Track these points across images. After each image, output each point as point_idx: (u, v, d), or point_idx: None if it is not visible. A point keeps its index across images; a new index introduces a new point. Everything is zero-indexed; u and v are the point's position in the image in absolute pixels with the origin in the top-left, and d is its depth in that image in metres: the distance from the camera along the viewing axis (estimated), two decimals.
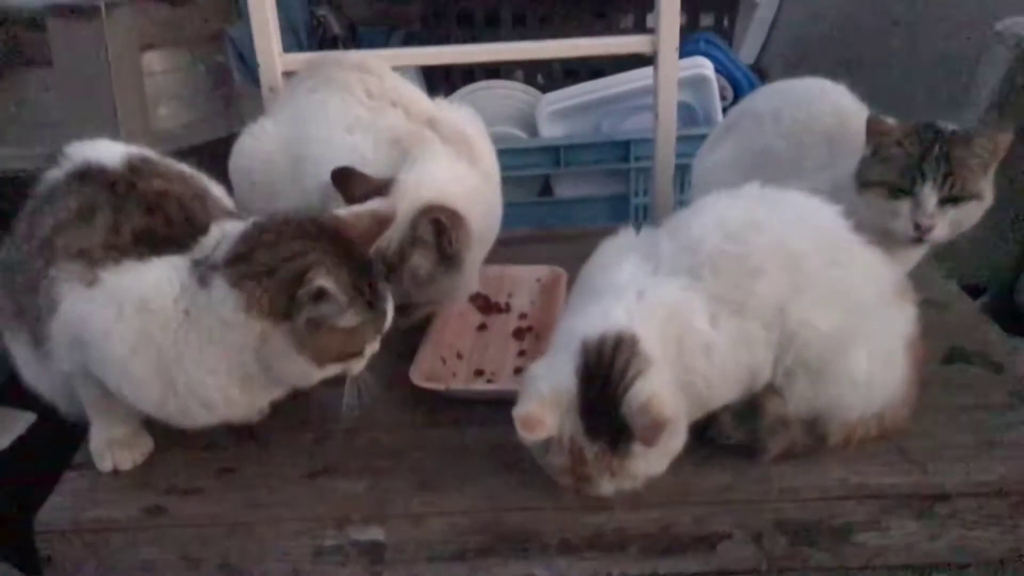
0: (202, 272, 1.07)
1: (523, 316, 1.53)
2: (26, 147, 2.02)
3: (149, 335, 1.06)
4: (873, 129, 1.30)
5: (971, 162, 1.27)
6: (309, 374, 1.10)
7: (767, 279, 1.11)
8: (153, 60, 1.98)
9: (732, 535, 1.15)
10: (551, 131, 2.23)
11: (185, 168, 1.23)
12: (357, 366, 1.14)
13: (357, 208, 1.17)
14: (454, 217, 1.31)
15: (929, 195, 1.26)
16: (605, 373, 1.04)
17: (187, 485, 1.19)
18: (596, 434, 1.04)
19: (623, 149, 2.12)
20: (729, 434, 1.18)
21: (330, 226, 1.11)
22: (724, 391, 1.14)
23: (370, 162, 1.41)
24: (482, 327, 1.51)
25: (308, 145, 1.49)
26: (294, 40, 2.74)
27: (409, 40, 3.17)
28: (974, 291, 2.25)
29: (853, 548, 1.16)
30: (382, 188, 1.31)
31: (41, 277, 1.09)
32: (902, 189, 1.28)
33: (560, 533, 1.15)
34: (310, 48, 3.52)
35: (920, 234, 1.28)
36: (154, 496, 1.17)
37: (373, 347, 1.14)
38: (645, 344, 1.06)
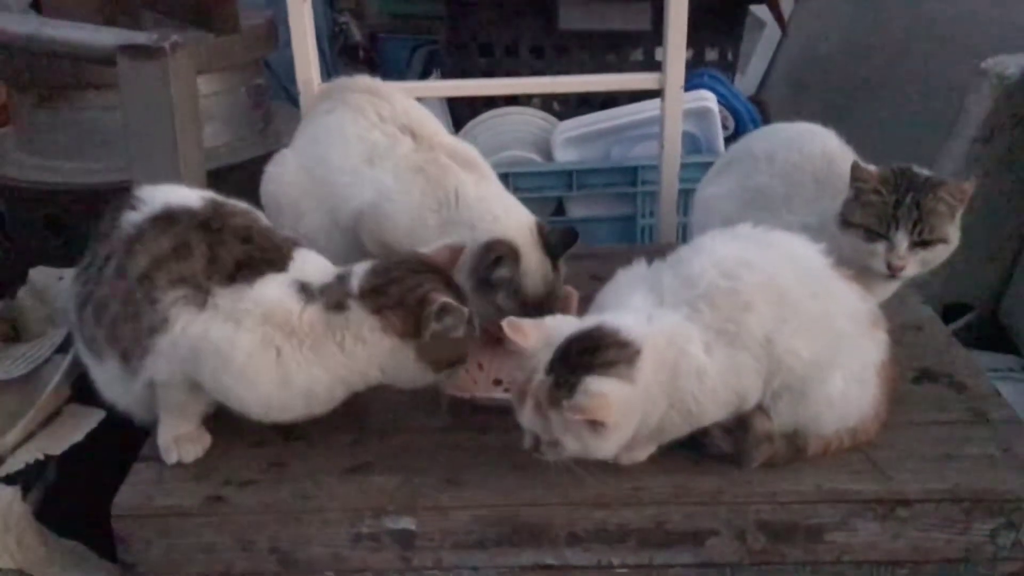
0: (337, 298, 1.28)
1: None
2: (87, 163, 2.20)
3: (270, 342, 1.24)
4: (856, 175, 1.43)
5: (939, 209, 1.40)
6: (424, 378, 1.32)
7: (756, 313, 1.23)
8: (199, 84, 2.13)
9: (719, 532, 1.28)
10: (565, 156, 2.36)
11: (245, 205, 1.38)
12: (455, 374, 1.36)
13: (435, 245, 1.39)
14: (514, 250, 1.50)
15: (901, 240, 1.40)
16: (594, 346, 1.18)
17: (242, 477, 1.32)
18: (552, 374, 1.18)
19: (631, 174, 2.24)
20: (719, 445, 1.30)
21: (429, 261, 1.34)
22: (713, 411, 1.26)
23: (395, 189, 1.57)
24: (499, 340, 1.66)
25: (330, 170, 1.62)
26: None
27: (432, 57, 3.30)
28: (961, 310, 2.38)
29: (824, 546, 1.28)
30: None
31: (143, 305, 1.23)
32: (879, 233, 1.41)
33: (568, 526, 1.28)
34: (331, 54, 3.64)
35: (892, 272, 1.42)
36: (213, 487, 1.31)
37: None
38: (642, 360, 1.18)
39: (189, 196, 1.32)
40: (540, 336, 1.23)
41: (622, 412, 1.17)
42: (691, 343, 1.23)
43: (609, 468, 1.31)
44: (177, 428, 1.35)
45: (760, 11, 3.10)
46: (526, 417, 1.20)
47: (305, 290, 1.28)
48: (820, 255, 1.32)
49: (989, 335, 2.36)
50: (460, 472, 1.33)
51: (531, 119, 2.46)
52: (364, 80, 1.73)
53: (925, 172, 1.46)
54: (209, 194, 1.35)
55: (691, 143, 2.23)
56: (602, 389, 1.15)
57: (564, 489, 1.28)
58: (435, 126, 1.67)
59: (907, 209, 1.39)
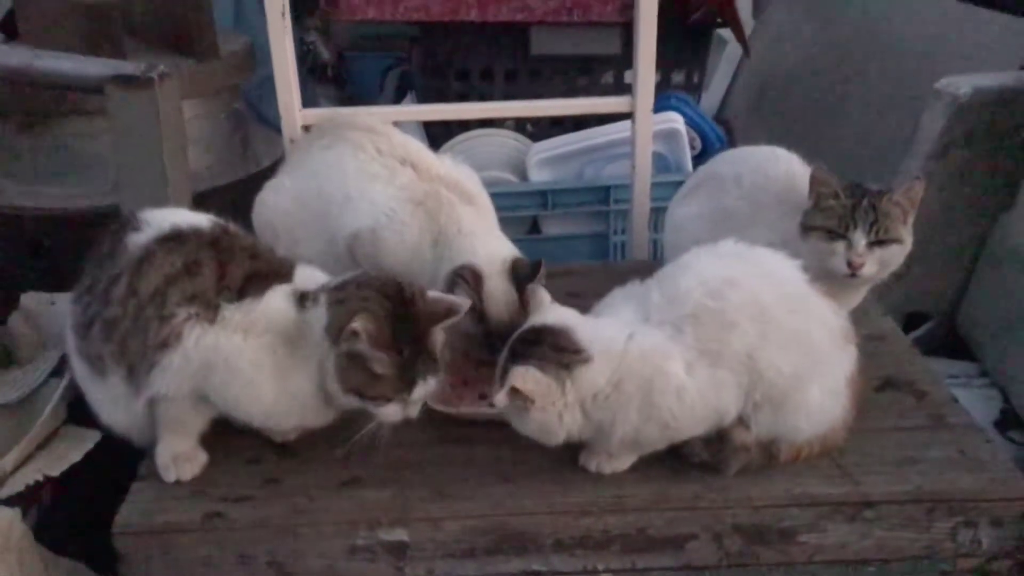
0: (314, 297, 1.32)
1: None
2: (69, 188, 2.22)
3: (272, 350, 1.30)
4: (815, 180, 1.52)
5: (893, 212, 1.49)
6: (337, 396, 1.30)
7: (739, 331, 1.29)
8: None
9: (697, 536, 1.34)
10: (539, 176, 2.42)
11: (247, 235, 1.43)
12: (379, 411, 1.30)
13: (439, 294, 1.38)
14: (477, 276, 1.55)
15: (860, 239, 1.48)
16: (541, 339, 1.30)
17: (239, 494, 1.36)
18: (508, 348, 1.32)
19: (604, 193, 2.31)
20: (698, 453, 1.37)
21: (405, 294, 1.31)
22: (691, 427, 1.33)
23: (395, 219, 1.61)
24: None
25: (329, 200, 1.66)
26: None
27: (405, 79, 3.35)
28: (921, 319, 2.47)
29: (797, 547, 1.35)
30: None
31: (153, 321, 1.28)
32: (838, 233, 1.49)
33: (554, 534, 1.33)
34: (299, 74, 3.67)
35: (852, 271, 1.50)
36: (211, 503, 1.35)
37: (395, 410, 1.31)
38: (590, 368, 1.27)
39: (197, 218, 1.37)
40: (536, 313, 1.35)
41: (541, 399, 1.27)
42: (670, 361, 1.29)
43: (592, 478, 1.38)
44: (176, 447, 1.39)
45: (723, 30, 3.19)
46: (496, 378, 1.32)
47: (302, 298, 1.33)
48: (799, 272, 1.38)
49: (948, 343, 2.44)
50: (450, 484, 1.38)
51: (506, 140, 2.53)
52: (361, 118, 1.78)
53: (876, 186, 1.54)
54: (212, 217, 1.39)
55: (660, 163, 2.30)
56: (518, 371, 1.26)
57: (550, 498, 1.35)
58: (433, 158, 1.71)
59: (864, 211, 1.48)
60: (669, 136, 2.35)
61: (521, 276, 1.53)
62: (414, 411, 1.33)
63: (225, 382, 1.30)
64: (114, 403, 1.37)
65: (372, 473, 1.41)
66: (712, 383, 1.30)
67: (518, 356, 1.29)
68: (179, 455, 1.39)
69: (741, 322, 1.30)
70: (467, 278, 1.49)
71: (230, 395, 1.31)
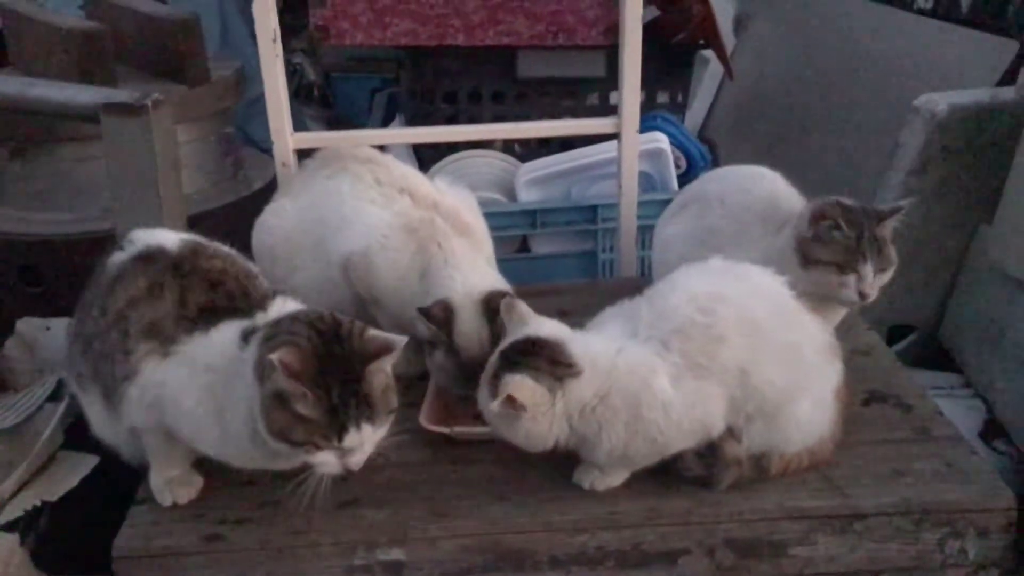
0: (254, 332, 1.25)
1: None
2: (61, 213, 2.23)
3: (212, 390, 1.26)
4: (818, 215, 1.52)
5: (889, 236, 1.54)
6: (268, 441, 1.20)
7: (730, 345, 1.32)
8: None
9: (690, 551, 1.36)
10: (528, 196, 2.45)
11: (230, 250, 1.41)
12: (312, 459, 1.22)
13: (377, 332, 1.26)
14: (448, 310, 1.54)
15: (869, 271, 1.52)
16: (535, 351, 1.30)
17: (237, 516, 1.38)
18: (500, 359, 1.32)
19: (591, 212, 2.33)
20: (691, 468, 1.39)
21: (340, 331, 1.23)
22: (679, 441, 1.35)
23: (388, 244, 1.62)
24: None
25: (327, 227, 1.68)
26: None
27: (393, 101, 3.38)
28: (905, 331, 2.51)
29: (788, 560, 1.37)
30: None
31: (117, 347, 1.28)
32: (849, 267, 1.53)
33: (550, 551, 1.35)
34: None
35: (863, 299, 1.54)
36: (210, 526, 1.36)
37: (330, 460, 1.22)
38: (579, 382, 1.29)
39: (169, 238, 1.37)
40: (519, 325, 1.36)
41: (533, 408, 1.28)
42: (656, 376, 1.31)
43: (586, 495, 1.40)
44: (167, 472, 1.40)
45: (705, 50, 3.23)
46: (481, 397, 1.33)
47: (247, 335, 1.26)
48: (785, 288, 1.41)
49: (931, 355, 2.48)
50: (446, 503, 1.40)
51: (494, 161, 2.56)
52: (363, 150, 1.79)
53: (850, 201, 1.58)
54: (192, 237, 1.39)
55: (646, 182, 2.33)
56: (515, 381, 1.27)
57: (545, 516, 1.37)
58: (431, 188, 1.72)
59: (869, 242, 1.52)
60: (655, 155, 2.39)
61: (494, 308, 1.54)
62: (354, 462, 1.24)
63: (174, 417, 1.28)
64: (98, 418, 1.39)
65: (369, 493, 1.42)
66: (698, 396, 1.32)
67: (512, 364, 1.30)
68: (172, 479, 1.40)
69: (731, 337, 1.32)
70: (434, 313, 1.49)
71: (183, 431, 1.30)
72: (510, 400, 1.27)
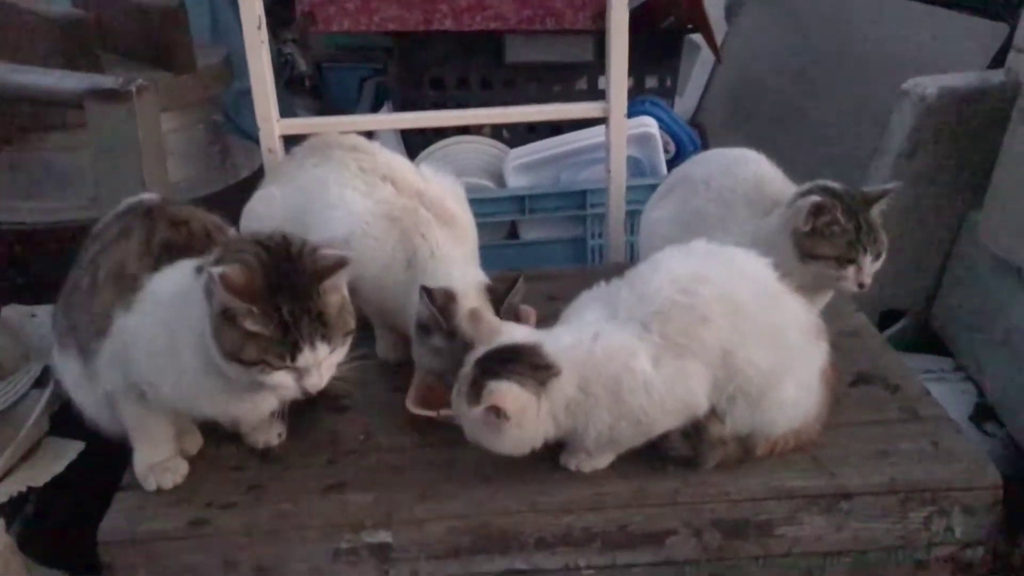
0: (206, 265, 1.21)
1: None
2: (48, 202, 2.22)
3: (166, 324, 1.25)
4: (818, 212, 1.52)
5: (879, 222, 1.55)
6: (222, 366, 1.19)
7: (713, 326, 1.31)
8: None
9: (677, 531, 1.36)
10: (516, 182, 2.44)
11: (215, 217, 1.43)
12: (267, 380, 1.20)
13: (329, 250, 1.24)
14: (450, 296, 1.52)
15: (868, 261, 1.53)
16: (512, 358, 1.29)
17: (223, 500, 1.37)
18: (475, 369, 1.30)
19: (580, 198, 2.33)
20: (677, 448, 1.39)
21: (291, 249, 1.22)
22: (663, 421, 1.35)
23: (369, 232, 1.61)
24: None
25: (312, 214, 1.66)
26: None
27: (382, 89, 3.37)
28: (896, 316, 2.51)
29: (775, 540, 1.38)
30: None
31: (87, 292, 1.30)
32: (849, 259, 1.53)
33: (537, 533, 1.35)
34: (277, 85, 3.69)
35: (861, 289, 1.55)
36: (196, 510, 1.36)
37: (286, 380, 1.20)
38: (560, 380, 1.29)
39: (151, 197, 1.43)
40: (488, 333, 1.34)
41: (519, 416, 1.27)
42: (636, 359, 1.31)
43: (573, 476, 1.40)
44: (150, 457, 1.40)
45: (696, 36, 3.23)
46: (455, 404, 1.32)
47: (200, 268, 1.24)
48: (769, 270, 1.41)
49: (922, 339, 2.48)
50: (432, 486, 1.40)
51: (482, 147, 2.55)
52: (350, 138, 1.78)
53: (836, 185, 1.59)
54: (170, 197, 1.46)
55: (635, 167, 2.33)
56: (500, 389, 1.26)
57: (531, 497, 1.36)
58: (415, 176, 1.70)
59: (866, 233, 1.53)
60: (643, 140, 2.38)
61: (498, 294, 1.53)
62: (311, 384, 1.22)
63: (135, 361, 1.27)
64: (77, 384, 1.39)
65: (355, 477, 1.42)
66: (679, 375, 1.32)
67: (492, 373, 1.28)
68: (155, 465, 1.40)
69: (714, 317, 1.32)
70: (436, 296, 1.49)
71: (144, 379, 1.28)
72: (494, 409, 1.26)
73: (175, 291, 1.25)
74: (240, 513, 1.36)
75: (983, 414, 2.19)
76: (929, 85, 2.31)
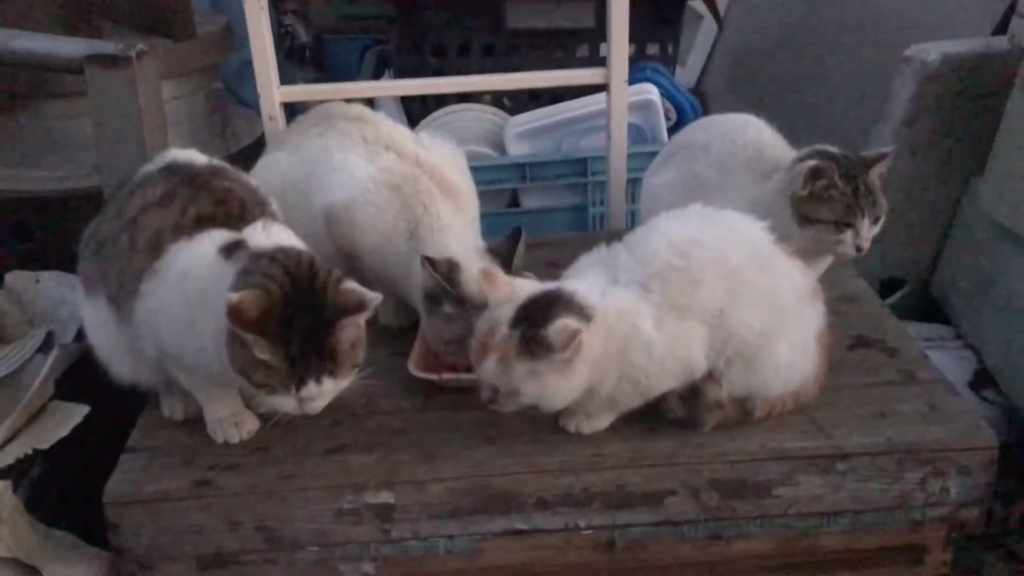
0: (240, 253, 1.25)
1: None
2: (50, 170, 2.23)
3: (187, 301, 1.27)
4: (815, 175, 1.53)
5: (878, 184, 1.55)
6: (226, 371, 1.22)
7: (708, 287, 1.33)
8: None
9: (675, 492, 1.38)
10: (518, 149, 2.44)
11: (253, 182, 1.46)
12: (268, 399, 1.24)
13: (354, 286, 1.25)
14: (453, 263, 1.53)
15: (866, 224, 1.54)
16: (555, 303, 1.28)
17: (227, 462, 1.39)
18: (517, 328, 1.27)
19: (581, 165, 2.33)
20: (674, 410, 1.40)
21: (316, 281, 1.23)
22: (662, 382, 1.36)
23: (370, 200, 1.61)
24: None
25: (313, 181, 1.68)
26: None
27: (383, 58, 3.35)
28: (897, 284, 2.52)
29: (772, 500, 1.39)
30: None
31: (124, 254, 1.31)
32: (847, 223, 1.54)
33: (536, 493, 1.37)
34: (277, 56, 3.67)
35: (859, 253, 1.56)
36: (200, 471, 1.37)
37: (287, 402, 1.24)
38: (594, 325, 1.28)
39: (199, 157, 1.43)
40: (507, 292, 1.32)
41: (586, 351, 1.26)
42: (641, 318, 1.32)
43: (572, 438, 1.42)
44: (217, 411, 1.42)
45: (698, 5, 3.21)
46: (488, 370, 1.28)
47: (230, 249, 1.27)
48: (765, 233, 1.42)
49: (923, 307, 2.49)
50: (434, 447, 1.41)
51: (483, 115, 2.55)
52: (354, 107, 1.78)
53: (834, 150, 1.59)
54: (218, 162, 1.44)
55: (636, 134, 2.33)
56: (568, 323, 1.25)
57: (531, 458, 1.38)
58: (418, 146, 1.70)
59: (864, 196, 1.53)
60: (644, 107, 2.38)
61: (502, 255, 1.54)
62: (311, 408, 1.25)
63: (164, 333, 1.29)
64: (101, 327, 1.41)
65: (358, 439, 1.44)
66: (681, 336, 1.33)
67: (543, 320, 1.27)
68: (223, 418, 1.42)
69: (709, 280, 1.33)
70: (439, 264, 1.49)
71: (169, 348, 1.30)
72: (534, 352, 1.25)
73: (199, 269, 1.27)
74: (243, 474, 1.38)
75: (982, 381, 2.20)
76: (931, 51, 2.31)
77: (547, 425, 1.43)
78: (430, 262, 1.48)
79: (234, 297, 1.15)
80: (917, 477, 1.40)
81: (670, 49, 2.77)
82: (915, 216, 2.42)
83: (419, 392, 1.54)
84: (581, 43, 2.70)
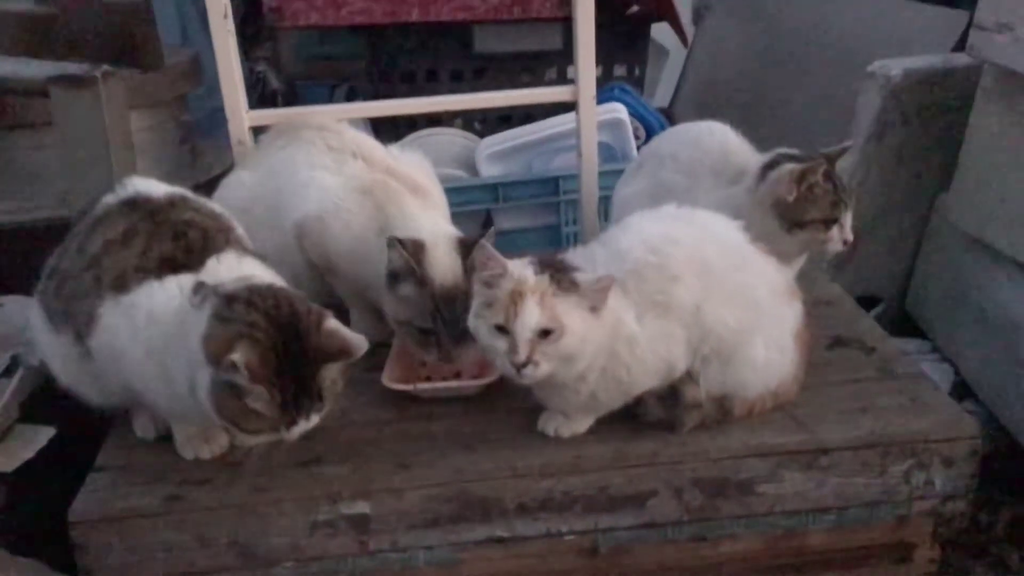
0: (205, 294, 1.23)
1: None
2: (16, 201, 2.20)
3: (154, 343, 1.25)
4: (806, 176, 1.52)
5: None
6: (209, 414, 1.20)
7: (684, 284, 1.32)
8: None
9: (658, 492, 1.36)
10: (489, 171, 2.43)
11: (217, 207, 1.43)
12: (244, 438, 1.24)
13: (337, 328, 1.24)
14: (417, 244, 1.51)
15: (849, 217, 1.55)
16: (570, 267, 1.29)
17: (198, 477, 1.35)
18: (544, 274, 1.26)
19: (553, 185, 2.33)
20: (653, 412, 1.39)
21: (299, 325, 1.20)
22: (643, 379, 1.34)
23: (342, 207, 1.60)
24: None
25: (281, 195, 1.66)
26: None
27: (352, 93, 3.37)
28: (872, 302, 2.52)
29: (756, 498, 1.37)
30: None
31: (90, 292, 1.28)
32: (834, 219, 1.54)
33: (517, 498, 1.34)
34: (249, 102, 3.67)
35: (846, 247, 1.56)
36: (170, 487, 1.33)
37: (269, 439, 1.23)
38: None
39: (158, 188, 1.38)
40: (502, 263, 1.28)
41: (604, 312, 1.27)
42: (625, 312, 1.31)
43: (551, 442, 1.39)
44: (185, 429, 1.39)
45: (663, 38, 3.26)
46: (529, 313, 1.23)
47: (196, 289, 1.25)
48: (739, 231, 1.41)
49: (899, 323, 2.49)
50: (410, 456, 1.38)
51: (455, 139, 2.55)
52: (315, 117, 1.79)
53: (797, 152, 1.62)
54: (183, 191, 1.40)
55: (606, 152, 2.33)
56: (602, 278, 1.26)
57: (511, 462, 1.35)
58: (384, 154, 1.71)
59: (841, 189, 1.54)
60: (614, 126, 2.39)
61: (467, 246, 1.53)
62: (292, 438, 1.24)
63: (127, 370, 1.28)
64: (66, 359, 1.37)
65: (332, 451, 1.40)
66: (661, 334, 1.32)
67: (564, 269, 1.27)
68: (193, 436, 1.39)
69: (685, 276, 1.33)
70: (406, 243, 1.48)
71: (135, 384, 1.29)
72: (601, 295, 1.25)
73: (167, 315, 1.24)
74: (215, 489, 1.34)
75: (961, 393, 2.20)
76: (894, 67, 2.33)
77: (526, 432, 1.41)
78: (398, 241, 1.47)
79: (236, 356, 1.13)
80: (901, 470, 1.39)
81: (636, 72, 2.80)
82: (887, 233, 2.43)
83: (394, 405, 1.51)
84: (549, 66, 2.72)
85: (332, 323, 1.24)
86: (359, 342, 1.23)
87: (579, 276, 1.27)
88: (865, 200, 1.58)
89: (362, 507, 1.33)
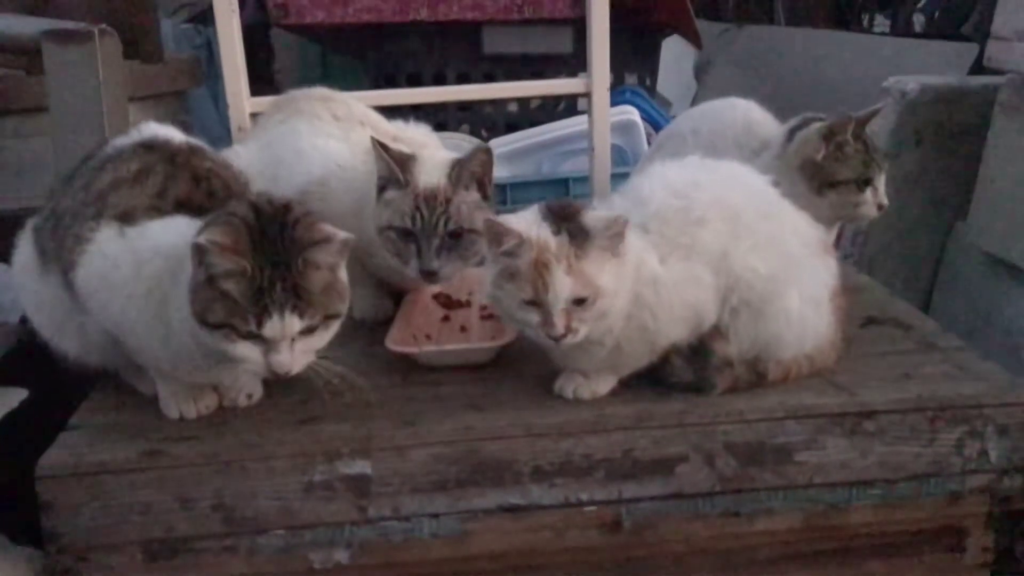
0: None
1: (483, 308, 1.63)
2: (3, 191, 2.12)
3: (158, 279, 1.16)
4: (835, 130, 1.48)
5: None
6: (195, 331, 1.12)
7: (710, 228, 1.24)
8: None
9: (687, 457, 1.24)
10: (498, 172, 2.37)
11: (233, 164, 1.36)
12: (232, 350, 1.12)
13: (322, 223, 1.17)
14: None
15: (883, 180, 1.49)
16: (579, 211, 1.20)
17: (183, 433, 1.24)
18: (563, 235, 1.16)
19: (563, 186, 2.27)
20: (680, 375, 1.28)
21: (287, 217, 1.15)
22: (669, 327, 1.24)
23: (347, 168, 1.56)
24: (446, 319, 1.61)
25: (281, 165, 1.60)
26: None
27: None
28: None
29: (795, 467, 1.25)
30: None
31: (87, 220, 1.19)
32: (867, 179, 1.47)
33: (533, 460, 1.22)
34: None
35: (880, 212, 1.49)
36: (150, 443, 1.21)
37: (252, 352, 1.12)
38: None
39: (177, 134, 1.31)
40: (514, 227, 1.18)
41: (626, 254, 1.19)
42: (647, 253, 1.23)
43: (570, 403, 1.28)
44: (171, 384, 1.29)
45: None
46: (560, 283, 1.15)
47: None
48: (767, 184, 1.34)
49: None
50: (416, 415, 1.26)
51: (462, 144, 2.48)
52: (317, 90, 1.74)
53: (823, 115, 1.56)
54: (198, 141, 1.34)
55: (618, 155, 2.27)
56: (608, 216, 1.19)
57: (527, 420, 1.23)
58: (390, 125, 1.68)
59: (874, 149, 1.47)
60: (626, 128, 2.34)
61: (459, 171, 1.46)
62: (278, 360, 1.12)
63: (119, 307, 1.19)
64: (50, 304, 1.29)
65: (331, 411, 1.28)
66: (686, 276, 1.24)
67: (577, 216, 1.19)
68: (178, 392, 1.29)
69: (711, 220, 1.25)
70: (392, 152, 1.43)
71: (127, 337, 1.21)
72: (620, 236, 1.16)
73: (175, 246, 1.16)
74: (199, 444, 1.22)
75: None
76: (909, 82, 2.32)
77: (542, 394, 1.30)
78: (383, 146, 1.43)
79: (203, 237, 1.08)
80: (952, 438, 1.27)
81: (648, 80, 2.76)
82: (904, 257, 2.37)
83: (397, 370, 1.40)
84: (559, 69, 2.68)
85: (322, 224, 1.17)
86: (341, 233, 1.15)
87: (589, 219, 1.18)
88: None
89: (362, 467, 1.21)
